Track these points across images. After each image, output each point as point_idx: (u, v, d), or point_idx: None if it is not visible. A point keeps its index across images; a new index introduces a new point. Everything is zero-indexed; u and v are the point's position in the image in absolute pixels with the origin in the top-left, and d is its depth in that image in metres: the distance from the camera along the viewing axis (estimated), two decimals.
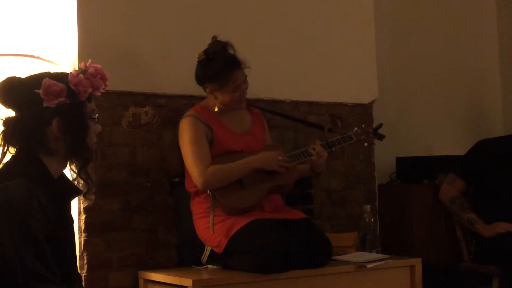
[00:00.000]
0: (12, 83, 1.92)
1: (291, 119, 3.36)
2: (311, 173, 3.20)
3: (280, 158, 2.99)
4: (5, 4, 2.92)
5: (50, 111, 1.88)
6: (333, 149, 3.13)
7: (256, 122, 3.20)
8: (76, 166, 1.97)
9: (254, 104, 3.29)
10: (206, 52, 2.99)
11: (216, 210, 2.94)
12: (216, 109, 3.03)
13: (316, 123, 3.27)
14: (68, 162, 1.97)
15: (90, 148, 1.98)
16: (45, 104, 1.87)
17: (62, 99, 1.89)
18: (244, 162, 2.97)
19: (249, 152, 3.05)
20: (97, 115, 2.01)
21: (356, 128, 3.24)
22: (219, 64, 2.95)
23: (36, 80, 1.90)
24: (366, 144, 3.31)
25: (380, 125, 3.32)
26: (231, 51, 2.99)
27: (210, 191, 2.93)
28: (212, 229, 2.91)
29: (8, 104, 1.93)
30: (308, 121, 3.33)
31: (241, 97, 3.03)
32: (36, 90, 1.87)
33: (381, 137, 3.32)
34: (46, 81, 1.87)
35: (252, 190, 2.98)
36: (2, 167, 1.91)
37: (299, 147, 3.54)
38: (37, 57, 2.76)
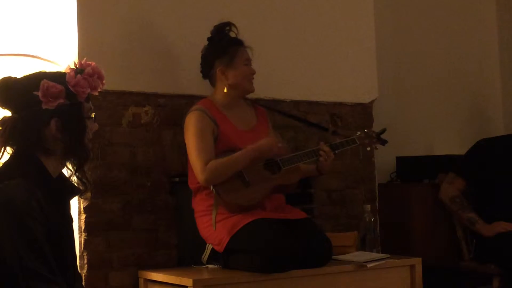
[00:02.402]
0: (8, 83, 1.92)
1: (294, 119, 3.36)
2: (317, 174, 3.22)
3: (280, 145, 2.98)
4: (5, 4, 2.92)
5: (49, 112, 1.88)
6: (336, 151, 3.15)
7: (261, 120, 3.21)
8: (73, 166, 1.97)
9: (257, 103, 3.29)
10: (211, 33, 3.10)
11: (219, 208, 2.94)
12: (225, 90, 3.04)
13: (321, 125, 3.29)
14: (66, 162, 1.97)
15: (88, 148, 1.98)
16: (44, 107, 1.87)
17: (61, 100, 1.88)
18: (243, 152, 2.94)
19: None
20: (94, 113, 2.01)
21: (359, 132, 3.26)
22: (226, 40, 3.09)
23: (33, 80, 1.89)
24: (368, 149, 3.34)
25: (383, 130, 3.33)
26: (234, 31, 3.12)
27: (213, 187, 2.91)
28: (214, 226, 2.91)
29: (4, 105, 1.93)
30: (312, 122, 3.34)
31: (252, 74, 3.08)
32: (35, 92, 1.86)
33: (383, 143, 3.34)
34: (44, 83, 1.86)
35: (255, 189, 2.97)
36: (0, 167, 1.90)
37: (300, 147, 3.55)
38: (37, 57, 2.75)
